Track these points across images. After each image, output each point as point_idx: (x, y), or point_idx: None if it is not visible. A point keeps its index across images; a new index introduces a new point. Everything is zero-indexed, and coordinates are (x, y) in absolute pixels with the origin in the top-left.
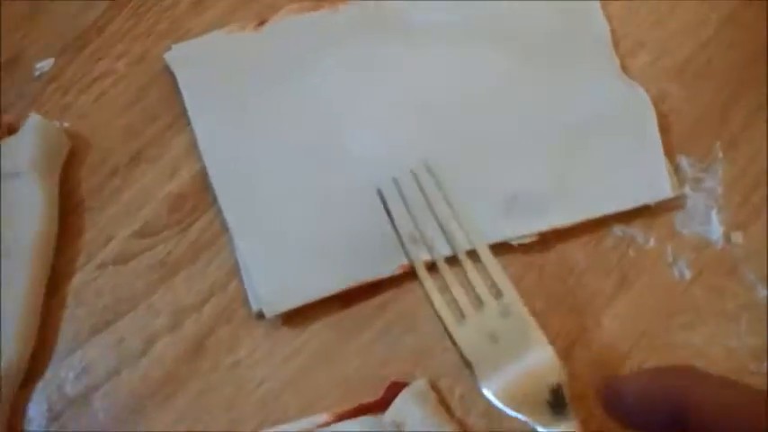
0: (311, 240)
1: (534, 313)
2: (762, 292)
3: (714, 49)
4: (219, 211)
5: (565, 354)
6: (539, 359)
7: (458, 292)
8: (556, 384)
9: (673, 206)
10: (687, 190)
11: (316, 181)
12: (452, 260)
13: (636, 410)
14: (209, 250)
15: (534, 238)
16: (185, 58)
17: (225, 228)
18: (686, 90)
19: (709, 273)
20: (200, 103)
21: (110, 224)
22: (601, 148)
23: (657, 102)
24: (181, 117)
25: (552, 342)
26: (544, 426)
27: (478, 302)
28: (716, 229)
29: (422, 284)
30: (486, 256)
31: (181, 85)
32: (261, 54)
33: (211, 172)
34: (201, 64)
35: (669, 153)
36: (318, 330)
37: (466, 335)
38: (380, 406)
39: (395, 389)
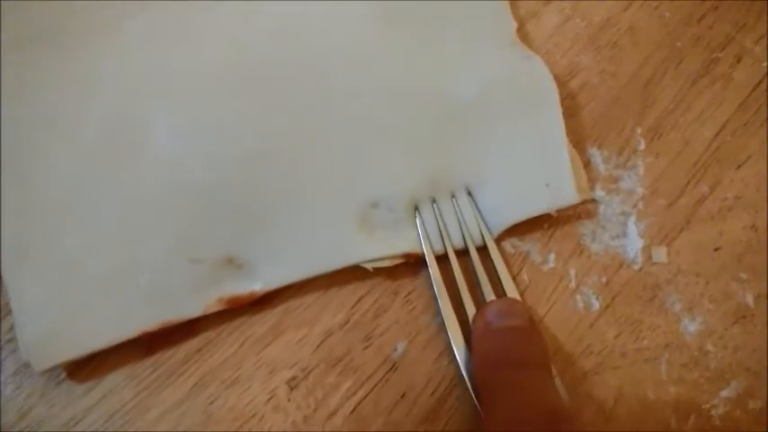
0: (97, 270)
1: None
2: (689, 326)
3: (638, 10)
4: None
5: (433, 413)
6: None
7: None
8: None
9: (579, 213)
10: (599, 192)
11: (106, 189)
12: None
13: None
14: None
15: (397, 261)
16: None
17: None
18: (602, 62)
19: (623, 302)
20: None
21: None
22: (484, 139)
23: (565, 77)
24: None
25: (417, 397)
26: None
27: None
28: (634, 244)
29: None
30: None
31: None
32: (51, 18)
33: None
34: None
35: (578, 144)
36: (114, 386)
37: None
38: None
39: None
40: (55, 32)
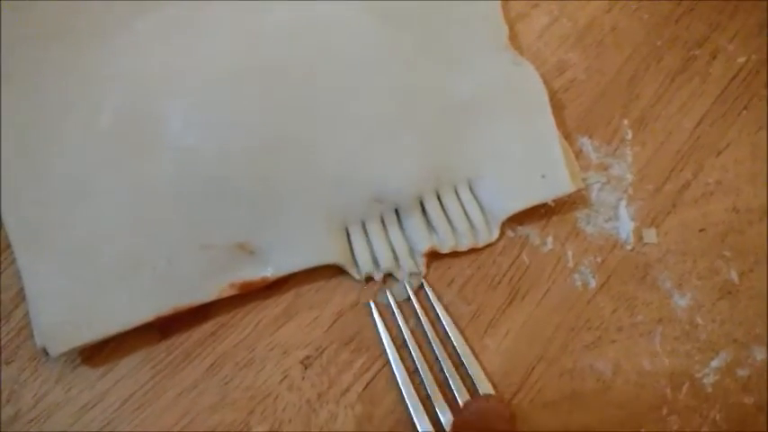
0: (112, 256)
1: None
2: (679, 302)
3: (619, 12)
4: None
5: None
6: None
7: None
8: None
9: (574, 199)
10: (591, 177)
11: (121, 177)
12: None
13: None
14: None
15: None
16: None
17: None
18: (588, 59)
19: (618, 280)
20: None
21: None
22: (482, 136)
23: (555, 73)
24: None
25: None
26: None
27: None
28: (625, 226)
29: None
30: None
31: None
32: (65, 16)
33: None
34: None
35: (570, 134)
36: (130, 369)
37: None
38: None
39: None
40: (70, 29)
